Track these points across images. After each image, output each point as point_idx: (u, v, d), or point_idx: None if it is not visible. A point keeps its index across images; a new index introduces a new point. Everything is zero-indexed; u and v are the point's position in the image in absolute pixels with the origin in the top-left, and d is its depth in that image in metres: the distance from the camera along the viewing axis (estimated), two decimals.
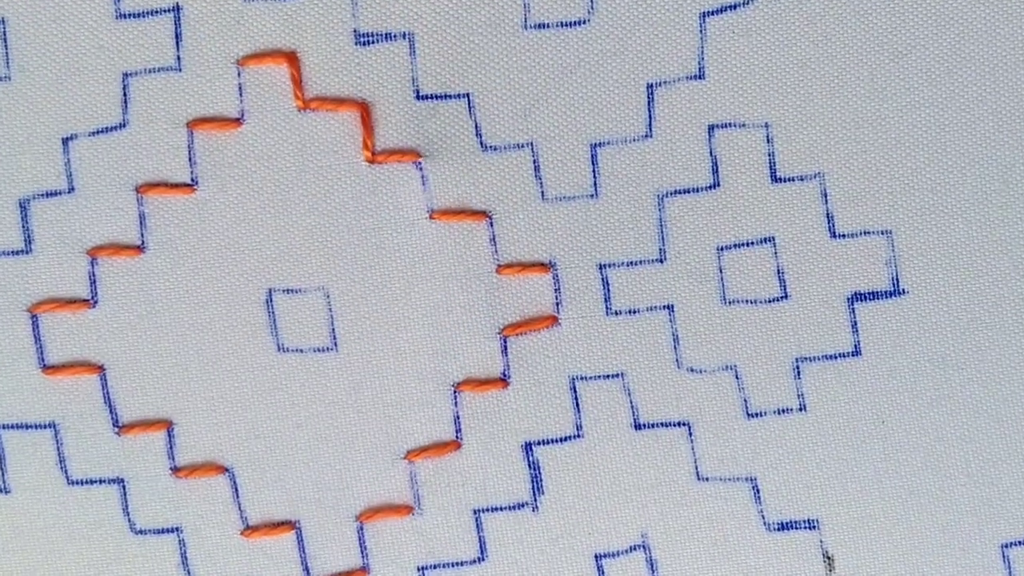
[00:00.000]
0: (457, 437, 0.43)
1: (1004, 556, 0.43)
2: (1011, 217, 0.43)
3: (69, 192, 0.42)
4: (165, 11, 0.42)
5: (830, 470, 0.43)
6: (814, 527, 0.43)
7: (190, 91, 0.42)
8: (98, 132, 0.42)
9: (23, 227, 0.42)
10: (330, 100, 0.42)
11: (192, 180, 0.42)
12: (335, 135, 0.42)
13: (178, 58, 0.42)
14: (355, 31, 0.42)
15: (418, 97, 0.42)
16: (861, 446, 0.43)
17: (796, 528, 0.43)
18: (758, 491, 0.43)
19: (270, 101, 0.42)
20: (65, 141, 0.42)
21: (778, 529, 0.43)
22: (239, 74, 0.42)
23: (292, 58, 0.42)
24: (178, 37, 0.42)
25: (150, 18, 0.42)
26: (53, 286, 0.42)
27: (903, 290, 0.43)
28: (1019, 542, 0.43)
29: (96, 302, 0.42)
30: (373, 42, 0.42)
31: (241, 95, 0.42)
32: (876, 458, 0.43)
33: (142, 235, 0.42)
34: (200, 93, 0.42)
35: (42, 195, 0.42)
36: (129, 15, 0.42)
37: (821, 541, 0.43)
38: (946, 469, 0.43)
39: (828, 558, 0.43)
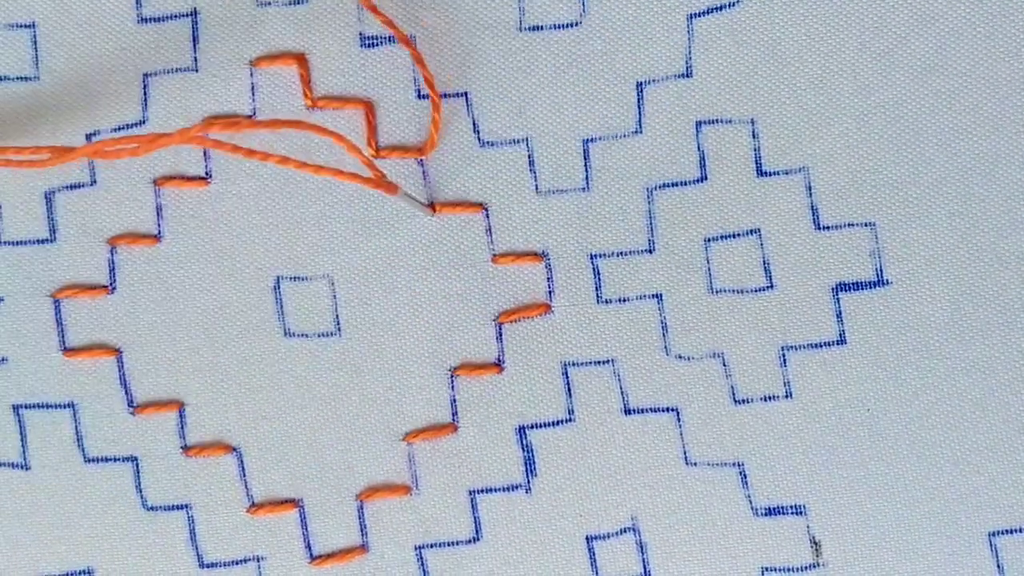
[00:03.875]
0: (454, 420, 0.45)
1: (991, 544, 0.44)
2: (992, 210, 0.44)
3: (91, 184, 0.45)
4: (183, 15, 0.44)
5: (816, 457, 0.44)
6: (801, 513, 0.44)
7: (206, 90, 0.44)
8: (119, 128, 0.44)
9: (48, 217, 0.44)
10: (337, 99, 0.45)
11: (207, 174, 0.45)
12: (341, 132, 0.45)
13: (195, 59, 0.44)
14: (360, 34, 0.45)
15: (419, 96, 0.45)
16: (847, 433, 0.44)
17: (783, 513, 0.44)
18: (745, 476, 0.44)
19: (281, 100, 0.45)
20: (88, 137, 0.44)
21: (765, 514, 0.44)
22: (252, 74, 0.45)
23: (302, 59, 0.44)
24: (195, 39, 0.44)
25: (169, 22, 0.44)
26: (75, 273, 0.45)
27: (887, 281, 0.44)
28: (1006, 530, 0.44)
29: (114, 288, 0.45)
30: (377, 45, 0.45)
31: (253, 94, 0.45)
32: (862, 445, 0.44)
33: (159, 225, 0.45)
34: (215, 92, 0.45)
35: (66, 187, 0.45)
36: (150, 19, 0.44)
37: (808, 527, 0.44)
38: (932, 457, 0.44)
39: (815, 543, 0.44)
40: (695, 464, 0.44)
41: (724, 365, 0.44)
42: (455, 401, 0.45)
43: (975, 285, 0.44)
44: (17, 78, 0.44)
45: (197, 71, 0.45)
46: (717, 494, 0.44)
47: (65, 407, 0.45)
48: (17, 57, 0.44)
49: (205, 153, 0.45)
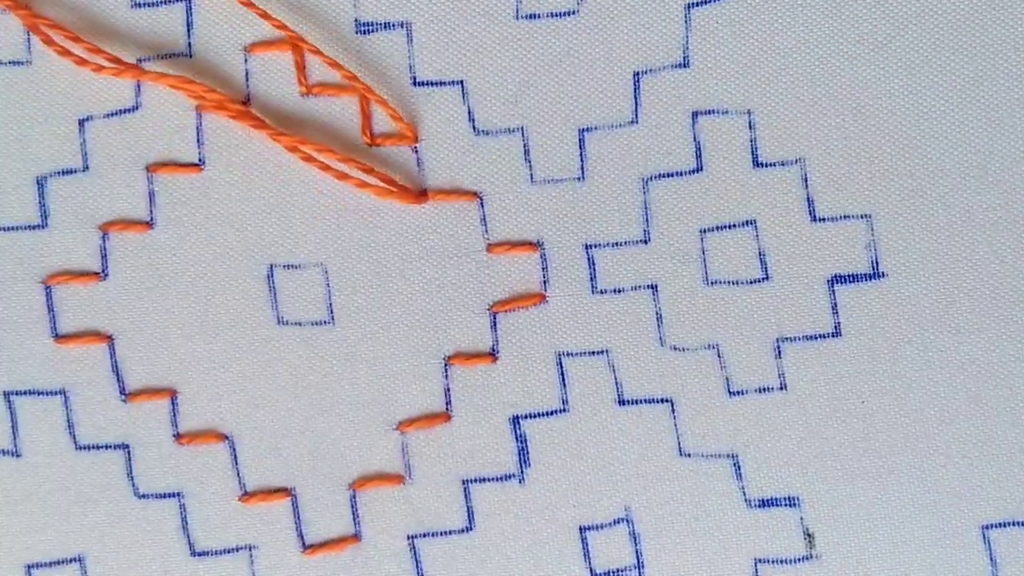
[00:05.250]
0: (447, 409, 0.44)
1: (984, 537, 0.44)
2: (989, 202, 0.44)
3: (84, 170, 0.44)
4: (177, 0, 0.44)
5: (811, 449, 0.44)
6: (795, 504, 0.44)
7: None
8: (112, 114, 0.44)
9: (40, 203, 0.44)
10: (331, 86, 0.44)
11: (200, 160, 0.44)
12: (336, 119, 0.44)
13: (189, 45, 0.44)
14: (356, 20, 0.44)
15: (415, 83, 0.44)
16: (841, 425, 0.44)
17: (777, 505, 0.44)
18: (739, 468, 0.44)
19: (275, 86, 0.44)
20: (81, 122, 0.44)
21: (759, 506, 0.44)
22: (246, 60, 0.44)
23: (296, 45, 0.44)
24: (189, 25, 0.44)
25: (163, 7, 0.44)
26: (66, 259, 0.44)
27: (883, 273, 0.44)
28: (999, 523, 0.44)
29: (107, 275, 0.44)
30: (373, 31, 0.44)
31: (248, 80, 0.44)
32: (856, 438, 0.44)
33: (151, 212, 0.44)
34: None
35: (58, 173, 0.44)
36: (143, 4, 0.44)
37: (802, 518, 0.44)
38: (926, 449, 0.44)
39: (808, 535, 0.44)
40: (689, 455, 0.44)
41: (719, 356, 0.44)
42: (449, 390, 0.44)
43: (970, 278, 0.44)
44: (10, 62, 0.44)
45: (191, 57, 0.44)
46: (711, 485, 0.44)
47: (56, 394, 0.44)
48: (9, 41, 0.44)
49: (198, 139, 0.44)
